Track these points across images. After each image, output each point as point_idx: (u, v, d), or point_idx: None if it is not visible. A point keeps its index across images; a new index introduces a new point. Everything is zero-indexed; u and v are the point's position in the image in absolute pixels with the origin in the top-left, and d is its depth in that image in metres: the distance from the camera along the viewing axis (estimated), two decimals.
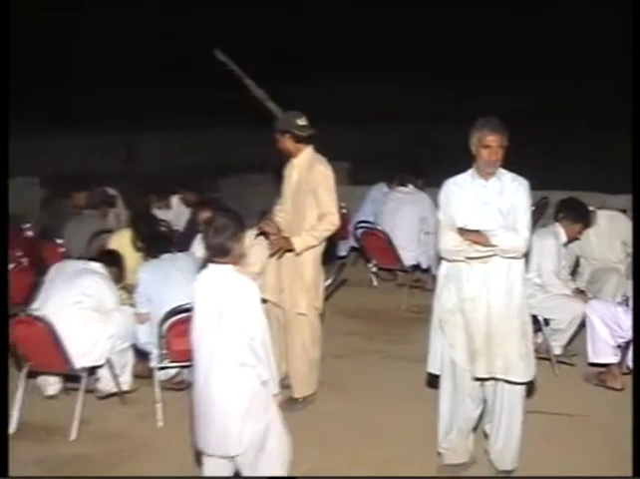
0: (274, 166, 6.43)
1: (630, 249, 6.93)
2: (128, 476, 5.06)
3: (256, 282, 6.13)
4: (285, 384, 5.69)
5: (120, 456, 5.34)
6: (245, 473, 4.28)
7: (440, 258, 4.80)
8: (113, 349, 5.84)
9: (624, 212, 7.55)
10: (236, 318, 4.06)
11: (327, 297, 6.37)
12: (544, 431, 5.38)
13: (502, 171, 4.65)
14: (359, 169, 13.03)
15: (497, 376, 4.67)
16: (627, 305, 6.12)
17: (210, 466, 4.33)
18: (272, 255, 5.77)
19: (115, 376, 5.91)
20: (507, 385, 4.68)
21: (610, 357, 6.07)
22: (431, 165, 9.43)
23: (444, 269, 4.77)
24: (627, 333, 5.87)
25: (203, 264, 4.28)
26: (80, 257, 6.41)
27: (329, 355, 6.58)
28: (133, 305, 6.13)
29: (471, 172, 4.68)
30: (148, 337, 5.94)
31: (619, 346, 6.04)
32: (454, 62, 26.79)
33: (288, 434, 4.37)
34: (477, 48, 27.30)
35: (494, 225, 4.57)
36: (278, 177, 6.19)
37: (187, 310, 5.60)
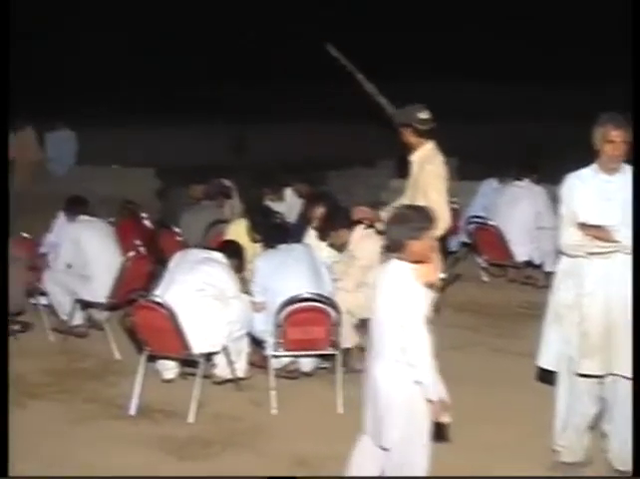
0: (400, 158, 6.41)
1: None
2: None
3: (365, 276, 6.30)
4: None
5: (235, 439, 5.48)
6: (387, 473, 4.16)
7: (559, 253, 4.73)
8: (230, 337, 5.97)
9: None
10: (395, 317, 3.93)
11: (440, 291, 6.35)
12: None
13: (626, 166, 4.55)
14: (465, 164, 12.91)
15: (616, 373, 4.58)
16: None
17: (363, 445, 4.25)
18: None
19: (230, 363, 6.04)
20: (627, 382, 4.58)
21: None
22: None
23: (563, 264, 4.71)
24: None
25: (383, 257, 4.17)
26: (201, 247, 6.56)
27: (440, 347, 6.55)
28: (249, 294, 6.25)
29: (594, 167, 4.61)
30: (263, 326, 6.05)
31: None
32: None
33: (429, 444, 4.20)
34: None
35: (617, 220, 4.47)
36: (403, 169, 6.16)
37: (303, 300, 5.72)
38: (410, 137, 5.71)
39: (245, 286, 6.37)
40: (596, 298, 4.55)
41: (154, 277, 7.28)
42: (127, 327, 6.40)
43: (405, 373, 3.93)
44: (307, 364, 6.23)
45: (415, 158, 5.79)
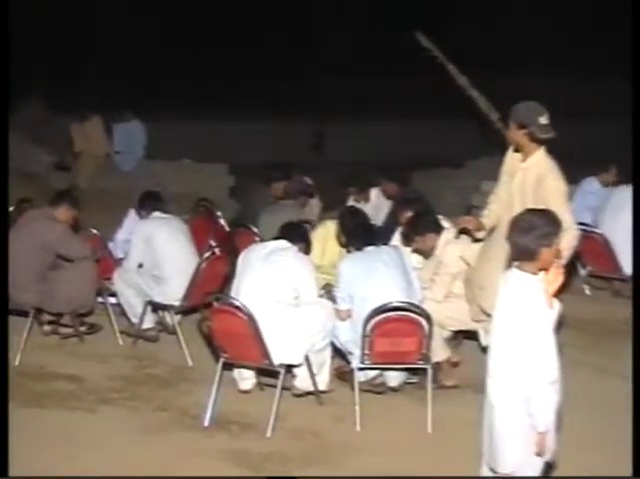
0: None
1: None
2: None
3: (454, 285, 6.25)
4: None
5: (316, 456, 5.48)
6: None
7: None
8: (312, 347, 5.96)
9: None
10: (520, 336, 3.88)
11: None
12: None
13: None
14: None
15: None
16: None
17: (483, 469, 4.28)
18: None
19: (312, 374, 6.04)
20: None
21: None
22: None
23: None
24: None
25: (508, 265, 4.15)
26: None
27: None
28: (333, 300, 6.25)
29: None
30: (348, 336, 6.03)
31: None
32: None
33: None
34: None
35: None
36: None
37: (393, 309, 5.69)
38: (522, 139, 5.61)
39: (329, 292, 6.38)
40: None
41: (229, 280, 7.39)
42: (204, 333, 6.43)
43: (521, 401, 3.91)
44: (394, 378, 6.19)
45: (527, 165, 5.69)
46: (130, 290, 7.23)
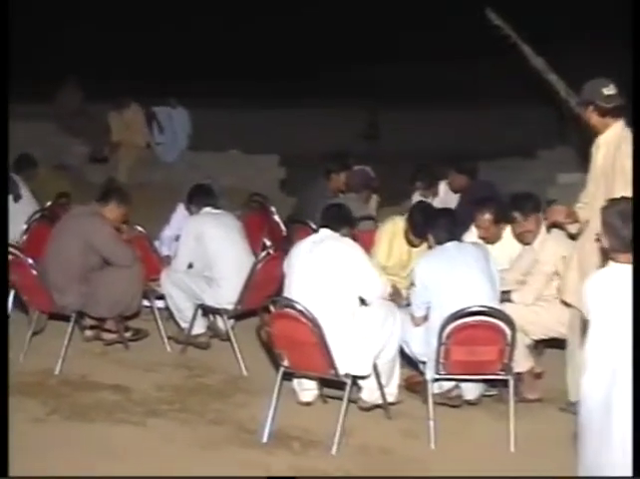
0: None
1: None
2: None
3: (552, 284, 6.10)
4: None
5: (385, 474, 5.38)
6: None
7: None
8: (380, 355, 5.87)
9: None
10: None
11: None
12: None
13: None
14: None
15: None
16: None
17: None
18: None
19: (380, 386, 5.94)
20: None
21: None
22: None
23: None
24: None
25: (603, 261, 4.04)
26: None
27: None
28: (407, 304, 6.17)
29: None
30: (421, 343, 5.93)
31: None
32: None
33: None
34: None
35: None
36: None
37: (472, 314, 5.57)
38: (592, 117, 5.58)
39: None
40: None
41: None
42: (262, 340, 6.37)
43: None
44: (472, 391, 6.07)
45: (602, 141, 5.61)
46: (179, 293, 7.18)
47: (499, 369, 5.77)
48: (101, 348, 7.36)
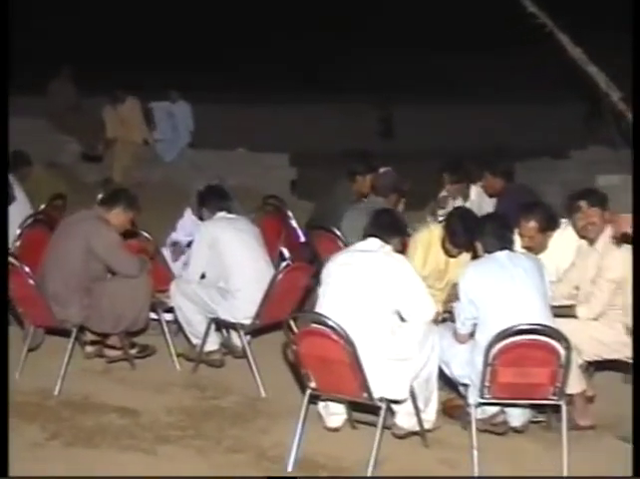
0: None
1: None
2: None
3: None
4: None
5: None
6: None
7: None
8: (416, 376, 5.73)
9: None
10: None
11: None
12: None
13: None
14: None
15: None
16: None
17: None
18: None
19: (417, 411, 5.80)
20: None
21: None
22: None
23: None
24: None
25: None
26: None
27: None
28: (443, 319, 6.07)
29: None
30: (464, 363, 5.78)
31: None
32: None
33: None
34: None
35: None
36: None
37: (522, 332, 5.42)
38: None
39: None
40: None
41: (309, 293, 7.21)
42: (288, 359, 6.22)
43: None
44: (518, 417, 5.92)
45: None
46: (190, 305, 7.05)
47: (551, 394, 5.60)
48: (103, 366, 7.23)
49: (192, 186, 8.76)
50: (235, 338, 7.25)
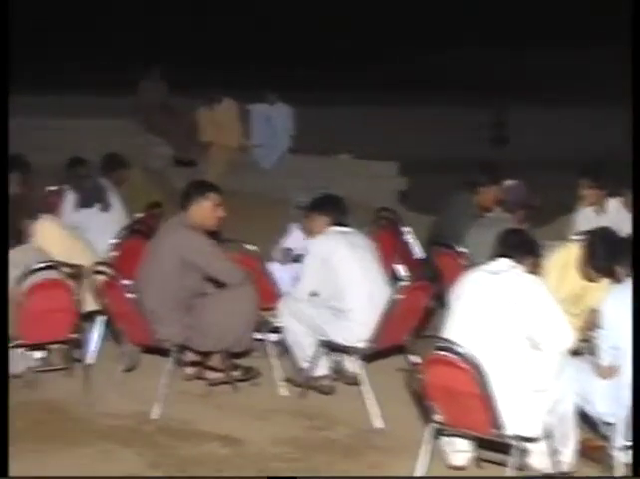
0: None
1: None
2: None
3: None
4: None
5: None
6: None
7: None
8: (555, 414, 5.57)
9: None
10: None
11: None
12: None
13: None
14: None
15: None
16: None
17: None
18: None
19: (554, 451, 5.64)
20: None
21: None
22: None
23: None
24: None
25: None
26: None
27: None
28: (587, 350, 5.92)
29: None
30: (607, 400, 5.60)
31: None
32: None
33: None
34: None
35: None
36: None
37: None
38: None
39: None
40: None
41: (430, 316, 7.10)
42: (413, 389, 6.11)
43: None
44: None
45: None
46: (299, 326, 6.97)
47: None
48: (204, 389, 7.20)
49: (293, 195, 8.69)
50: (347, 363, 7.16)
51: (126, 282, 6.71)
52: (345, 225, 7.15)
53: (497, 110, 20.16)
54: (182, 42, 22.20)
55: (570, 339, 5.64)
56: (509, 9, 26.05)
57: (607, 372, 5.67)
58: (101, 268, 6.99)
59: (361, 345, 6.81)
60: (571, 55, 24.45)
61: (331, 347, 7.04)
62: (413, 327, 6.88)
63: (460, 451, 5.93)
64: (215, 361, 7.14)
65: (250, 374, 7.23)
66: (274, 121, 14.74)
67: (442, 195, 9.01)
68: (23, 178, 8.91)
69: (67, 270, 6.91)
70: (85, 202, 8.92)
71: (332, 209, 7.15)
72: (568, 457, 5.78)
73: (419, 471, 5.60)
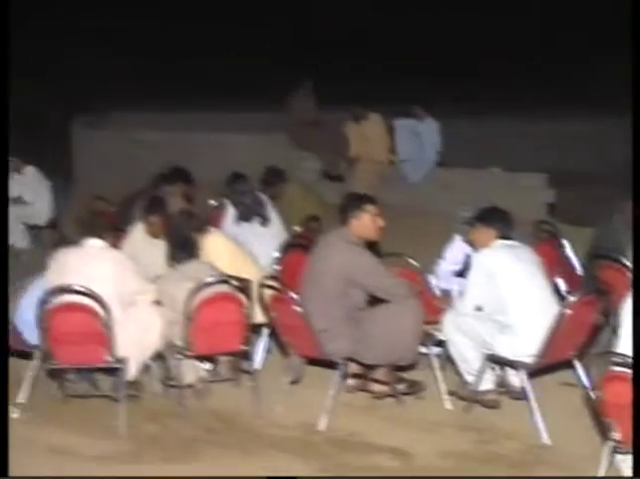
0: None
1: None
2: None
3: None
4: None
5: None
6: None
7: None
8: None
9: None
10: None
11: None
12: None
13: None
14: None
15: None
16: None
17: None
18: None
19: None
20: None
21: None
22: None
23: None
24: None
25: None
26: None
27: None
28: None
29: None
30: None
31: None
32: None
33: None
34: None
35: None
36: None
37: None
38: None
39: None
40: None
41: (598, 331, 6.94)
42: (593, 406, 5.95)
43: None
44: None
45: None
46: (464, 340, 6.87)
47: None
48: (367, 402, 7.15)
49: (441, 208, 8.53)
50: (512, 377, 7.02)
51: (294, 295, 6.72)
52: (511, 238, 7.05)
53: None
54: (333, 58, 22.18)
55: None
56: None
57: None
58: (269, 282, 7.01)
59: (528, 360, 6.69)
60: None
61: (497, 361, 6.92)
62: (580, 342, 6.74)
63: None
64: (380, 374, 7.08)
65: (415, 388, 7.15)
66: (422, 136, 14.61)
67: (592, 207, 8.82)
68: (186, 192, 9.09)
69: (236, 284, 6.98)
70: (245, 216, 9.01)
71: (498, 222, 7.04)
72: None
73: None
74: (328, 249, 6.99)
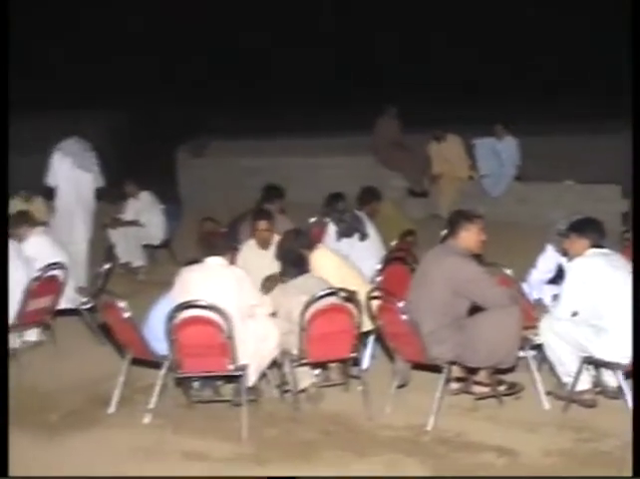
0: None
1: None
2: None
3: None
4: None
5: None
6: None
7: None
8: None
9: None
10: None
11: None
12: None
13: None
14: None
15: None
16: None
17: None
18: None
19: None
20: None
21: None
22: None
23: None
24: None
25: None
26: None
27: None
28: None
29: None
30: None
31: None
32: None
33: None
34: None
35: None
36: None
37: None
38: None
39: None
40: None
41: None
42: None
43: None
44: None
45: None
46: (562, 344, 6.71)
47: None
48: (470, 403, 7.03)
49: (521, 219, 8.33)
50: (607, 377, 6.84)
51: (400, 305, 6.63)
52: (603, 247, 6.88)
53: None
54: (410, 82, 22.12)
55: None
56: None
57: None
58: (376, 293, 6.95)
59: (624, 361, 6.51)
60: None
61: (594, 363, 6.75)
62: None
63: None
64: (482, 376, 6.97)
65: (515, 389, 7.02)
66: (501, 154, 14.45)
67: None
68: (282, 207, 9.20)
69: (345, 295, 6.93)
70: (346, 233, 8.97)
71: (592, 232, 6.89)
72: None
73: None
74: (439, 260, 6.89)
